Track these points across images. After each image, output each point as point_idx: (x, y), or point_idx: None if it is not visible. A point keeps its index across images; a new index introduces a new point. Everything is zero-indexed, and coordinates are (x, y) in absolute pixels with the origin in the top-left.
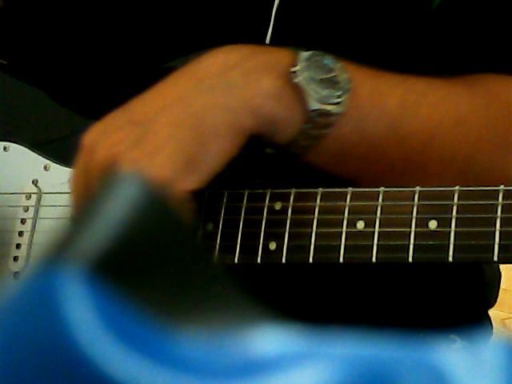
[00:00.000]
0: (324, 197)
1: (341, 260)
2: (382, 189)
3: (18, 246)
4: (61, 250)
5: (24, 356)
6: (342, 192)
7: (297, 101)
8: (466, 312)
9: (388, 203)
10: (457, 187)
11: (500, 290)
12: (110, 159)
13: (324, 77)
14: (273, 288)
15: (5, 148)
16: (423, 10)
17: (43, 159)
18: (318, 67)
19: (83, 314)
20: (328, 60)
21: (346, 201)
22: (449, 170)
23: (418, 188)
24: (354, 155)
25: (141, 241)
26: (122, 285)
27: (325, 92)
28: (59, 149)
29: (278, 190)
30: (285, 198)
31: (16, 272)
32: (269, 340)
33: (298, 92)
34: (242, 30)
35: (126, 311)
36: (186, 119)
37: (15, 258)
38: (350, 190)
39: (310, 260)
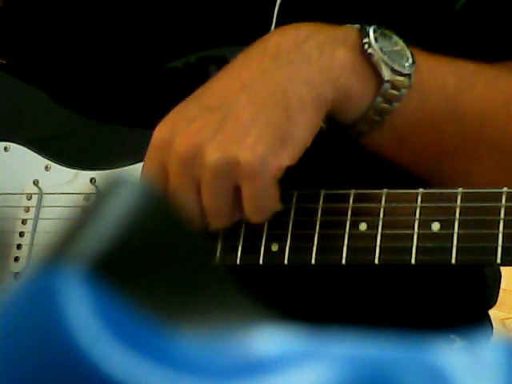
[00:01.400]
0: (327, 198)
1: (343, 262)
2: (384, 191)
3: (19, 246)
4: (61, 250)
5: (24, 356)
6: (344, 193)
7: (370, 72)
8: (465, 312)
9: (391, 205)
10: (460, 189)
11: (500, 290)
12: (192, 149)
13: (393, 49)
14: (274, 289)
15: (5, 148)
16: (446, 11)
17: (44, 159)
18: (386, 39)
19: (83, 315)
20: (393, 34)
21: (348, 202)
22: (499, 152)
23: (420, 190)
24: (414, 133)
25: (141, 241)
26: (123, 285)
27: (396, 63)
28: (60, 149)
29: (281, 191)
30: (287, 198)
31: (17, 273)
32: (269, 340)
33: (370, 64)
34: (244, 29)
35: (127, 311)
36: (268, 96)
37: (16, 259)
38: (352, 191)
39: (313, 261)
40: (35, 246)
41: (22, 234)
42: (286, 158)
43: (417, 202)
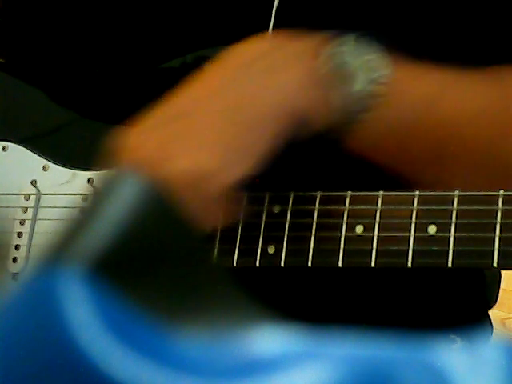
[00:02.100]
0: (323, 200)
1: (340, 264)
2: (381, 193)
3: (17, 247)
4: (61, 250)
5: (24, 356)
6: (341, 196)
7: (341, 82)
8: (466, 312)
9: (387, 207)
10: (456, 192)
11: (500, 290)
12: (160, 157)
13: (366, 58)
14: (272, 291)
15: (3, 148)
16: (436, 4)
17: (42, 159)
18: (360, 49)
19: (83, 314)
20: (369, 42)
21: (345, 204)
22: (471, 159)
23: (417, 192)
24: (391, 140)
25: (141, 242)
26: (122, 285)
27: (368, 73)
28: (58, 149)
29: (277, 193)
30: (284, 201)
31: (15, 273)
32: (269, 340)
33: (342, 73)
34: (241, 29)
35: (126, 311)
36: (234, 107)
37: (14, 259)
38: (348, 193)
39: (309, 264)
40: (33, 246)
41: (20, 235)
42: (242, 170)
43: (413, 205)
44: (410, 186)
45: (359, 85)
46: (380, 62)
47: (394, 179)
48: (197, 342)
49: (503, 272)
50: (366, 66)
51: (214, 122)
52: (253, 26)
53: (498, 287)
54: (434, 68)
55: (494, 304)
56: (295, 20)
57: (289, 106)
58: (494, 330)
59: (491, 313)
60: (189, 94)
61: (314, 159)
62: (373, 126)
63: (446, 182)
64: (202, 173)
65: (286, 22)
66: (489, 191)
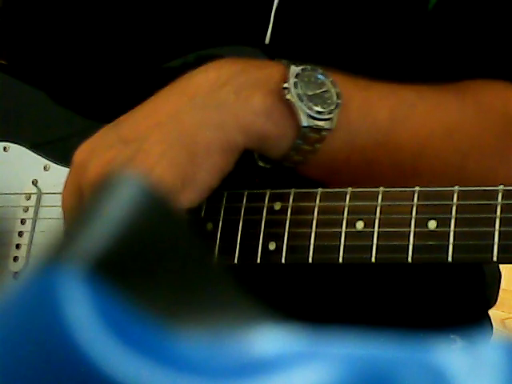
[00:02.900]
0: (323, 197)
1: (340, 260)
2: (381, 189)
3: (18, 246)
4: (61, 250)
5: (24, 356)
6: (341, 192)
7: (288, 117)
8: (466, 312)
9: (387, 203)
10: (456, 187)
11: (500, 290)
12: (102, 178)
13: (314, 92)
14: (273, 288)
15: (5, 148)
16: (419, 11)
17: (43, 159)
18: (309, 82)
19: (83, 315)
20: (319, 74)
21: (345, 201)
22: (440, 180)
23: (417, 188)
24: (345, 168)
25: (141, 241)
26: (122, 285)
27: (316, 108)
28: (59, 149)
29: (278, 191)
30: (284, 198)
31: (16, 272)
32: (269, 340)
33: (289, 108)
34: (241, 30)
35: (126, 311)
36: (177, 137)
37: (15, 259)
38: (349, 190)
39: (310, 260)
40: (34, 245)
41: (20, 234)
42: (185, 201)
43: (413, 200)
44: None
45: (304, 121)
46: (328, 94)
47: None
48: (197, 341)
49: (503, 272)
50: (310, 102)
51: (165, 150)
52: (253, 25)
53: (498, 287)
54: (400, 88)
55: (494, 304)
56: (294, 20)
57: (241, 135)
58: (494, 330)
59: (491, 313)
60: (144, 118)
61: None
62: (325, 155)
63: None
64: None
65: (286, 22)
66: (488, 186)
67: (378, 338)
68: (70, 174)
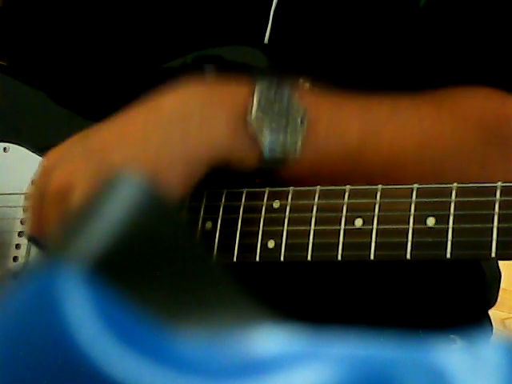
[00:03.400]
0: (322, 195)
1: (339, 258)
2: (380, 186)
3: (18, 246)
4: (61, 250)
5: (24, 356)
6: (340, 190)
7: (252, 140)
8: (466, 312)
9: (386, 200)
10: (454, 184)
11: (500, 290)
12: (64, 186)
13: (278, 124)
14: (272, 287)
15: (5, 149)
16: (411, 9)
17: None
18: (275, 101)
19: (83, 314)
20: (284, 92)
21: (344, 198)
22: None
23: (415, 185)
24: (315, 180)
25: (140, 241)
26: (122, 285)
27: (279, 138)
28: None
29: (277, 189)
30: (283, 196)
31: (15, 272)
32: (269, 340)
33: (252, 138)
34: (240, 30)
35: (126, 311)
36: (142, 154)
37: (15, 259)
38: (348, 187)
39: (309, 258)
40: (34, 245)
41: (20, 234)
42: None
43: (412, 197)
44: None
45: (267, 153)
46: (293, 116)
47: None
48: (197, 341)
49: (503, 272)
50: (272, 132)
51: (127, 163)
52: (251, 25)
53: (498, 287)
54: (372, 103)
55: (494, 304)
56: (293, 20)
57: (206, 156)
58: (494, 330)
59: (491, 313)
60: (111, 132)
61: None
62: (295, 169)
63: None
64: None
65: (285, 23)
66: (487, 183)
67: (378, 338)
68: (36, 176)
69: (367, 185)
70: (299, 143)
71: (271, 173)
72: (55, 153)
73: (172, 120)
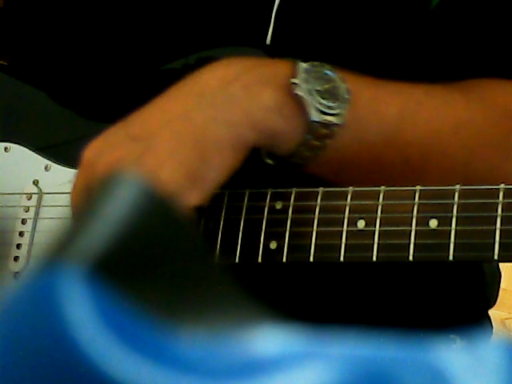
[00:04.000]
0: (325, 196)
1: (341, 259)
2: (382, 188)
3: (19, 246)
4: (61, 249)
5: (24, 356)
6: (342, 191)
7: (297, 113)
8: (466, 312)
9: (388, 202)
10: (457, 186)
11: (500, 290)
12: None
13: (323, 88)
14: (273, 288)
15: (6, 148)
16: (421, 11)
17: (44, 159)
18: (318, 78)
19: (83, 314)
20: (327, 71)
21: (346, 200)
22: (447, 178)
23: (418, 187)
24: (353, 165)
25: (141, 241)
26: (123, 285)
27: (325, 103)
28: (60, 149)
29: (279, 190)
30: (285, 197)
31: (16, 272)
32: (269, 340)
33: (298, 104)
34: (242, 30)
35: (126, 311)
36: (187, 135)
37: (16, 258)
38: (350, 189)
39: (311, 259)
40: (35, 245)
41: (21, 234)
42: (194, 198)
43: (414, 199)
44: None
45: (314, 116)
46: (337, 90)
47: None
48: (197, 341)
49: (503, 272)
50: (320, 97)
51: (174, 148)
52: (254, 26)
53: (498, 287)
54: (406, 86)
55: (494, 304)
56: (295, 20)
57: (251, 132)
58: (494, 330)
59: (491, 313)
60: (153, 116)
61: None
62: (334, 152)
63: None
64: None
65: (286, 23)
66: (489, 185)
67: (377, 337)
68: (78, 172)
69: (369, 187)
70: (346, 110)
71: (307, 159)
72: (96, 144)
73: (215, 98)
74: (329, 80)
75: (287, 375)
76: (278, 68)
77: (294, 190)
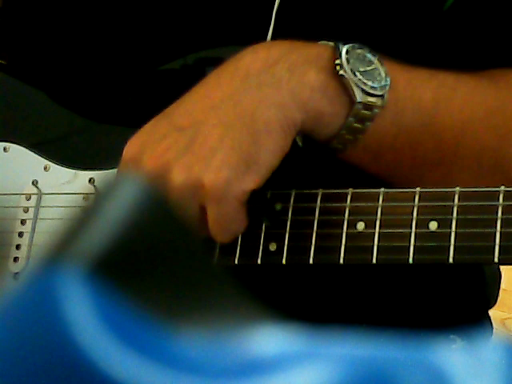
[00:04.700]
0: (324, 198)
1: (341, 261)
2: (382, 190)
3: (18, 246)
4: (61, 250)
5: (24, 356)
6: (342, 193)
7: (341, 94)
8: (466, 312)
9: (388, 204)
10: (457, 188)
11: (500, 290)
12: (159, 168)
13: (365, 69)
14: (273, 289)
15: (5, 149)
16: (434, 11)
17: (43, 160)
18: (359, 60)
19: (83, 315)
20: (367, 53)
21: (346, 202)
22: (479, 164)
23: (418, 189)
24: (390, 150)
25: (141, 241)
26: (123, 285)
27: (368, 84)
28: (59, 149)
29: (279, 191)
30: (285, 198)
31: (16, 273)
32: (269, 340)
33: (341, 85)
34: (242, 30)
35: (126, 311)
36: (236, 118)
37: (15, 259)
38: (350, 190)
39: (310, 261)
40: (34, 246)
41: (21, 235)
42: (251, 181)
43: (414, 201)
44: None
45: (358, 97)
46: (378, 72)
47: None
48: (197, 341)
49: (503, 272)
50: (363, 78)
51: (224, 132)
52: (253, 25)
53: (498, 287)
54: (439, 72)
55: (494, 304)
56: (295, 21)
57: (298, 112)
58: (494, 330)
59: (491, 313)
60: (197, 103)
61: (316, 157)
62: (373, 135)
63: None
64: (215, 183)
65: (287, 23)
66: (489, 187)
67: (378, 338)
68: (120, 168)
69: (369, 189)
70: (387, 92)
71: (348, 143)
72: (137, 139)
73: (261, 80)
74: (370, 62)
75: (287, 375)
76: (319, 49)
77: (293, 192)
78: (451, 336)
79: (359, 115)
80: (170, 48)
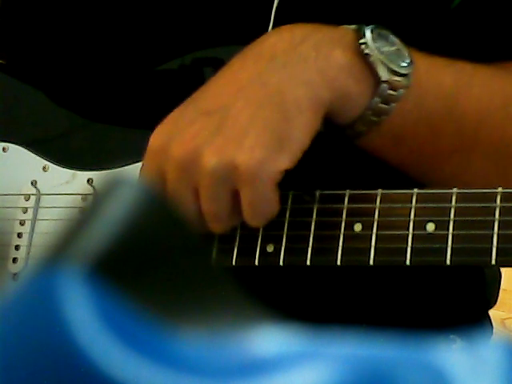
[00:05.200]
0: (322, 199)
1: (338, 263)
2: (379, 191)
3: (17, 247)
4: (60, 250)
5: (24, 357)
6: (339, 194)
7: (367, 74)
8: (466, 312)
9: (386, 205)
10: (454, 189)
11: (500, 290)
12: (190, 154)
13: (390, 49)
14: (271, 290)
15: (3, 149)
16: (442, 9)
17: (42, 160)
18: (383, 40)
19: (83, 315)
20: (390, 34)
21: (343, 203)
22: (497, 153)
23: (415, 190)
24: (411, 134)
25: (141, 241)
26: (122, 285)
27: (394, 63)
28: (58, 149)
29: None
30: (283, 199)
31: (15, 273)
32: (268, 340)
33: (367, 64)
34: (241, 30)
35: (126, 311)
36: (265, 98)
37: (14, 260)
38: (347, 192)
39: (308, 263)
40: (33, 246)
41: (20, 235)
42: (285, 160)
43: (412, 203)
44: (428, 183)
45: (384, 76)
46: (402, 52)
47: (392, 178)
48: (197, 341)
49: (503, 272)
50: (388, 58)
51: (254, 113)
52: (253, 25)
53: (498, 287)
54: (457, 60)
55: (494, 304)
56: (295, 19)
57: (327, 90)
58: (494, 330)
59: (491, 313)
60: (223, 87)
61: (314, 157)
62: (395, 118)
63: (462, 175)
64: (250, 164)
65: (286, 22)
66: (487, 189)
67: (377, 338)
68: (146, 162)
69: (366, 190)
70: (411, 73)
71: (369, 127)
72: (163, 128)
73: (287, 59)
74: (393, 43)
75: (287, 375)
76: (342, 31)
77: (291, 193)
78: (451, 336)
79: (384, 95)
80: (168, 47)
